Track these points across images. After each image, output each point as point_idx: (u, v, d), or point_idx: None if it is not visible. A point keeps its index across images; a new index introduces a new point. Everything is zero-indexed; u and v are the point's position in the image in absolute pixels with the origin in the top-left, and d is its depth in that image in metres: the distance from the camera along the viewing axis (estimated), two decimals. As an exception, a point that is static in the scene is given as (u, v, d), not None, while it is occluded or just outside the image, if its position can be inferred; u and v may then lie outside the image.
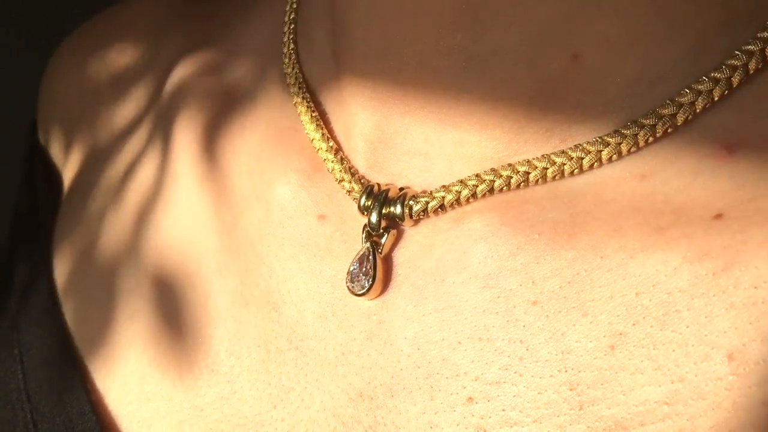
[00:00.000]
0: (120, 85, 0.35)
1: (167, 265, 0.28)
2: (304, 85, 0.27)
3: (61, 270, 0.32)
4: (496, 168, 0.21)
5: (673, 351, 0.18)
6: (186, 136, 0.29)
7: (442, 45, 0.21)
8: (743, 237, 0.18)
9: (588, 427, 0.18)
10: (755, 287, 0.17)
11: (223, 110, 0.29)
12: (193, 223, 0.28)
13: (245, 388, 0.24)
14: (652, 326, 0.18)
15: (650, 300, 0.19)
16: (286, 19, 0.29)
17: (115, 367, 0.27)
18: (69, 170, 0.35)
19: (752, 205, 0.18)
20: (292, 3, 0.29)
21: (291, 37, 0.28)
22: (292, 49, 0.28)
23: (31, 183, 0.37)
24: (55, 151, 0.37)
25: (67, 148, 0.36)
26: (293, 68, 0.27)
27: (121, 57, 0.35)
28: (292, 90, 0.27)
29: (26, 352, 0.30)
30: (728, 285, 0.18)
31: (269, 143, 0.27)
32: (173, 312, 0.27)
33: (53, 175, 0.37)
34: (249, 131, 0.27)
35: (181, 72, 0.32)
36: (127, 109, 0.34)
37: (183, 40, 0.34)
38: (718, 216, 0.19)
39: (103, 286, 0.30)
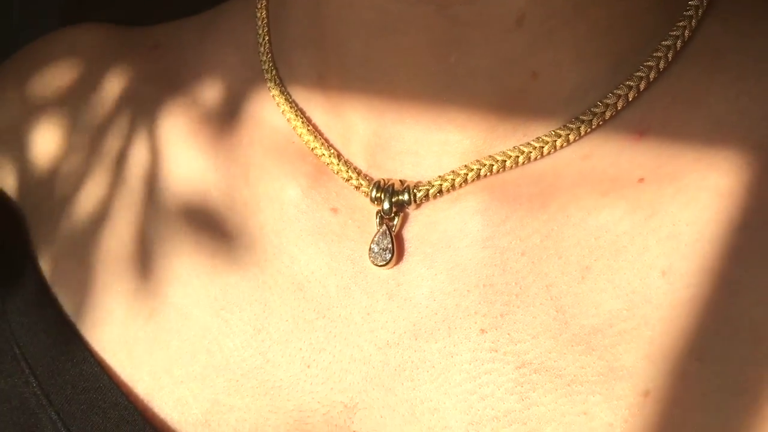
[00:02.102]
0: (65, 103, 0.38)
1: (164, 272, 0.32)
2: (296, 104, 0.32)
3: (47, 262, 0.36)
4: (479, 159, 0.29)
5: (625, 274, 0.26)
6: (171, 152, 0.34)
7: (432, 68, 0.28)
8: (660, 192, 0.26)
9: (574, 334, 0.26)
10: (673, 224, 0.26)
11: (206, 128, 0.34)
12: (181, 234, 0.33)
13: (277, 356, 0.30)
14: (608, 259, 0.26)
15: (605, 242, 0.27)
16: (262, 49, 0.34)
17: (139, 357, 0.32)
18: (24, 171, 0.38)
19: (661, 170, 0.27)
20: (263, 35, 0.34)
21: (270, 65, 0.34)
22: (274, 74, 0.33)
23: None
24: (6, 148, 0.40)
25: (13, 161, 0.39)
26: (280, 90, 0.33)
27: (63, 78, 0.39)
28: (281, 108, 0.32)
29: (28, 354, 0.33)
30: (656, 225, 0.26)
31: (272, 154, 0.32)
32: (181, 309, 0.32)
33: None
34: (246, 146, 0.33)
35: (142, 91, 0.36)
36: (94, 116, 0.37)
37: (130, 64, 0.38)
38: (641, 180, 0.27)
39: (88, 291, 0.34)
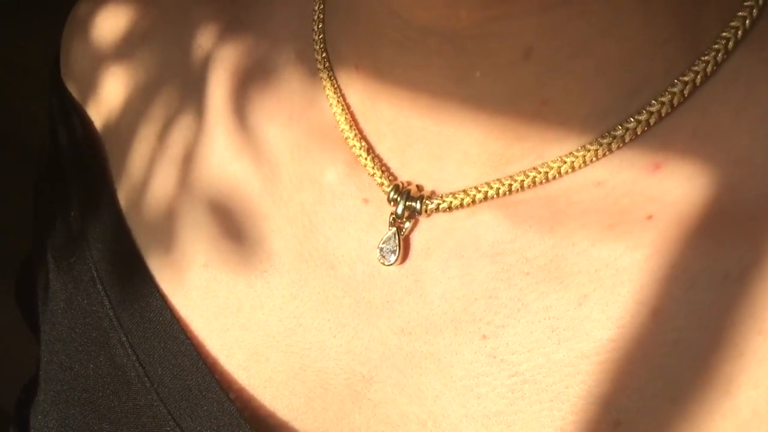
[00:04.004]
0: (153, 37, 0.40)
1: (218, 229, 0.36)
2: (339, 90, 0.34)
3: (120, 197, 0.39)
4: (499, 178, 0.30)
5: (618, 308, 0.28)
6: (221, 110, 0.36)
7: (448, 88, 0.29)
8: (666, 233, 0.27)
9: (564, 355, 0.28)
10: (671, 268, 0.27)
11: (261, 93, 0.36)
12: (235, 191, 0.35)
13: (309, 322, 0.33)
14: (605, 291, 0.28)
15: (604, 275, 0.28)
16: (315, 28, 0.35)
17: (193, 301, 0.36)
18: (102, 111, 0.42)
19: (672, 208, 0.28)
20: (319, 13, 0.35)
21: (322, 46, 0.35)
22: (324, 57, 0.35)
23: (67, 120, 0.43)
24: (83, 90, 0.43)
25: (98, 91, 0.42)
26: (327, 73, 0.34)
27: (153, 11, 0.41)
28: (327, 92, 0.34)
29: (104, 279, 0.38)
30: (654, 266, 0.27)
31: (315, 136, 0.34)
32: (231, 263, 0.35)
33: (83, 113, 0.43)
34: (295, 124, 0.35)
35: (214, 42, 0.38)
36: (157, 68, 0.40)
37: (213, 11, 0.39)
38: (650, 217, 0.28)
39: (156, 234, 0.38)
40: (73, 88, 0.43)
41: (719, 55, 0.28)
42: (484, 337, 0.30)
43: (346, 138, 0.33)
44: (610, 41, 0.27)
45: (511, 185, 0.30)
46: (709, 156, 0.28)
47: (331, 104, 0.34)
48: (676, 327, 0.27)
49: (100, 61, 0.41)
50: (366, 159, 0.32)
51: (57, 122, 0.43)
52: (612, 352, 0.28)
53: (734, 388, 0.26)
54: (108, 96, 0.41)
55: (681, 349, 0.27)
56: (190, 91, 0.38)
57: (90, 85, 0.42)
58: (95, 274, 0.38)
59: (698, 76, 0.28)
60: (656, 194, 0.28)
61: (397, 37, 0.29)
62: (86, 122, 0.42)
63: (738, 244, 0.27)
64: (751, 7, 0.28)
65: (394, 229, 0.31)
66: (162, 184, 0.38)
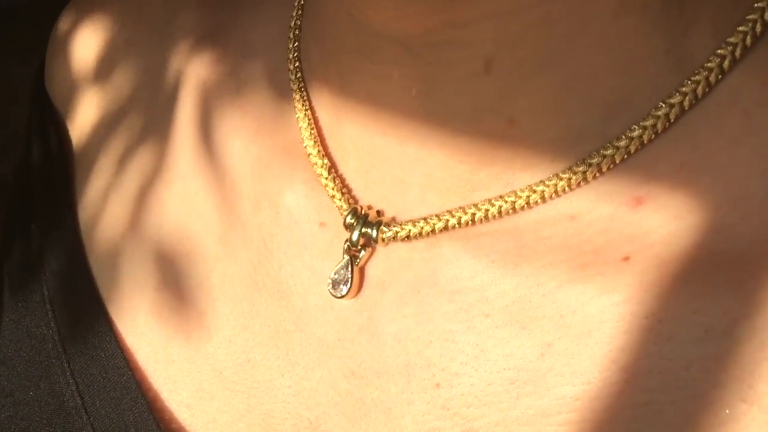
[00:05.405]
0: (131, 51, 0.38)
1: (173, 251, 0.33)
2: (308, 103, 0.31)
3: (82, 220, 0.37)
4: (462, 206, 0.27)
5: (585, 362, 0.24)
6: (188, 125, 0.34)
7: (406, 102, 0.26)
8: (642, 277, 0.24)
9: (521, 412, 0.25)
10: (646, 317, 0.24)
11: (229, 106, 0.34)
12: (193, 211, 0.33)
13: (258, 358, 0.30)
14: (571, 341, 0.24)
15: (571, 321, 0.24)
16: (291, 35, 0.33)
17: (141, 327, 0.33)
18: (77, 128, 0.40)
19: (652, 250, 0.24)
20: (296, 19, 0.33)
21: (296, 54, 0.32)
22: (297, 66, 0.32)
23: (43, 134, 0.41)
24: (63, 107, 0.41)
25: (75, 107, 0.40)
26: (298, 85, 0.32)
27: (135, 22, 0.39)
28: (297, 106, 0.32)
29: (54, 299, 0.35)
30: (625, 313, 0.24)
31: (278, 152, 0.31)
32: (183, 289, 0.33)
33: (62, 129, 0.41)
34: (260, 138, 0.32)
35: (191, 51, 0.35)
36: (133, 81, 0.37)
37: (196, 17, 0.37)
38: (626, 258, 0.24)
39: (112, 255, 0.35)
40: (56, 103, 0.41)
41: (712, 75, 0.25)
42: (438, 385, 0.26)
43: (309, 155, 0.30)
44: (580, 54, 0.24)
45: (474, 215, 0.27)
46: (700, 192, 0.24)
47: (298, 118, 0.31)
48: (648, 387, 0.23)
49: (80, 76, 0.40)
50: (327, 179, 0.30)
51: (33, 137, 0.42)
52: (575, 412, 0.24)
53: None
54: (84, 113, 0.39)
55: (652, 414, 0.23)
56: (163, 105, 0.36)
57: (69, 101, 0.40)
58: (46, 294, 0.36)
59: (686, 99, 0.25)
60: (635, 233, 0.25)
61: (356, 44, 0.26)
62: (63, 138, 0.41)
63: (724, 295, 0.23)
64: (755, 22, 0.25)
65: (347, 257, 0.28)
66: (121, 205, 0.36)
